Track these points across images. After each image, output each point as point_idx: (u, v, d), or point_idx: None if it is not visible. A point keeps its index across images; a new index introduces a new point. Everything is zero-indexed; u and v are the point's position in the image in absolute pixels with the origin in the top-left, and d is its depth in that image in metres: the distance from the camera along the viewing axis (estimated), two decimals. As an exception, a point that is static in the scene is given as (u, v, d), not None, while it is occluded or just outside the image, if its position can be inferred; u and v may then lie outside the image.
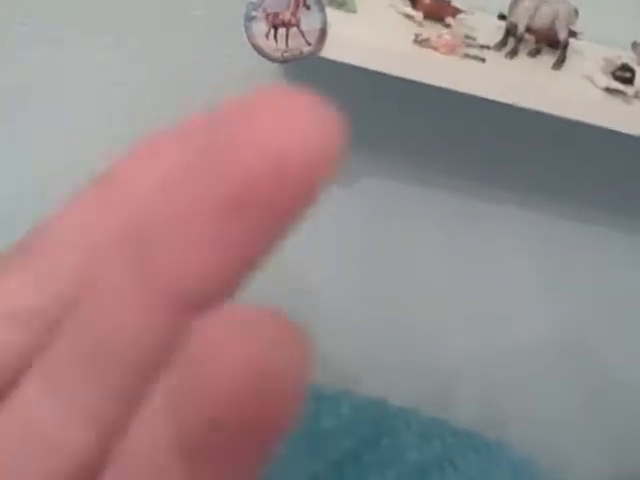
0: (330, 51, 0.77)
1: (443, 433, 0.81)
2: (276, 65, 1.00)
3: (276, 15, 0.74)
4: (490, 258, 1.18)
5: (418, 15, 0.87)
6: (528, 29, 0.85)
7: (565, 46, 0.86)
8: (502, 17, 0.89)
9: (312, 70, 1.00)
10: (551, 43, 0.89)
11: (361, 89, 1.03)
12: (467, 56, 0.80)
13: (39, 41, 0.99)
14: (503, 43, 0.86)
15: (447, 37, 0.81)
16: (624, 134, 0.82)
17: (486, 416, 1.28)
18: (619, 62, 0.84)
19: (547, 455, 1.22)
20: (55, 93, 1.04)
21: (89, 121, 1.06)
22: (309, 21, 0.75)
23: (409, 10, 0.88)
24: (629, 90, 0.82)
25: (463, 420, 0.80)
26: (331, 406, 0.71)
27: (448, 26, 0.88)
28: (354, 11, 0.85)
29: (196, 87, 1.04)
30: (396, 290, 1.22)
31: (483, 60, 0.81)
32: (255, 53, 0.80)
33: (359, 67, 0.77)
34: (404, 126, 1.06)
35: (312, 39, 0.76)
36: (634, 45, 0.96)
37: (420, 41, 0.80)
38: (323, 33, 0.76)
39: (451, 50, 0.80)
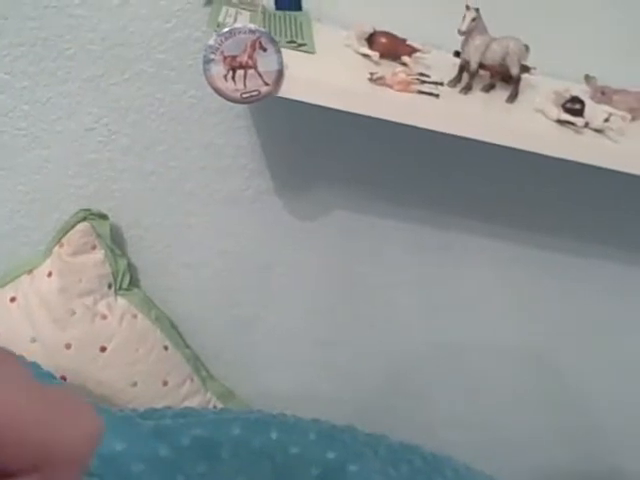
0: (288, 91, 0.79)
1: (411, 458, 0.82)
2: (241, 105, 1.03)
3: (234, 58, 0.76)
4: (464, 288, 1.20)
5: (375, 55, 0.90)
6: (481, 65, 0.88)
7: (517, 81, 0.89)
8: (457, 54, 0.93)
9: (276, 109, 1.03)
10: (504, 78, 0.92)
11: (327, 126, 1.06)
12: (421, 92, 0.83)
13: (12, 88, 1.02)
14: (458, 79, 0.89)
15: (401, 75, 0.84)
16: (577, 163, 0.85)
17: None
18: (568, 95, 0.87)
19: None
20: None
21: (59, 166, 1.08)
22: (266, 62, 0.77)
23: (366, 50, 0.91)
24: (579, 121, 0.85)
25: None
26: (299, 434, 0.72)
27: (404, 64, 0.91)
28: (312, 52, 0.88)
29: (163, 129, 1.06)
30: (370, 321, 1.23)
31: (437, 96, 0.83)
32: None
33: (315, 106, 0.80)
34: (371, 160, 1.09)
35: (269, 80, 0.78)
36: (586, 78, 0.99)
37: (375, 79, 0.83)
38: (280, 74, 0.78)
39: (405, 87, 0.83)
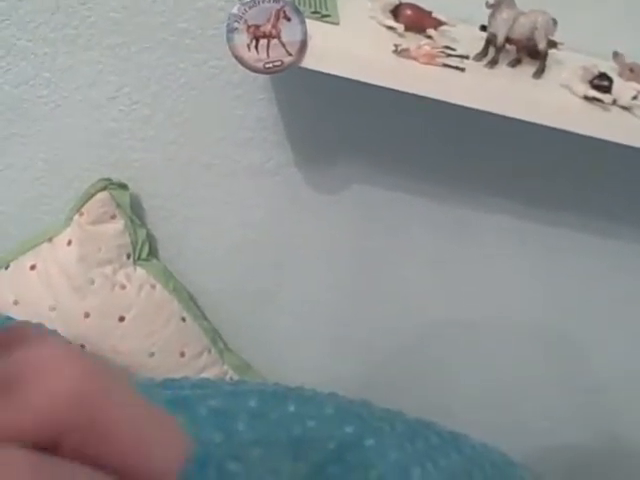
0: (312, 62, 0.78)
1: (427, 434, 0.82)
2: (263, 76, 1.02)
3: (257, 27, 0.75)
4: (480, 265, 1.19)
5: (400, 27, 0.88)
6: (508, 40, 0.87)
7: (545, 56, 0.87)
8: (483, 28, 0.91)
9: (298, 80, 1.02)
10: (531, 53, 0.91)
11: (349, 98, 1.05)
12: (446, 66, 0.82)
13: (33, 54, 1.02)
14: (484, 53, 0.88)
15: (426, 47, 0.82)
16: (602, 140, 0.83)
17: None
18: (596, 71, 0.85)
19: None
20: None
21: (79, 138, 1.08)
22: (290, 32, 0.76)
23: (391, 22, 0.90)
24: (606, 98, 0.83)
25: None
26: (316, 407, 0.71)
27: (429, 37, 0.90)
28: (337, 23, 0.86)
29: (184, 100, 1.06)
30: (386, 297, 1.23)
31: (462, 69, 0.82)
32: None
33: (338, 78, 0.79)
34: (392, 134, 1.08)
35: (293, 50, 0.77)
36: (615, 55, 0.97)
37: (400, 52, 0.81)
38: (303, 44, 0.77)
39: (430, 60, 0.82)
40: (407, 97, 0.82)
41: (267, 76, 1.02)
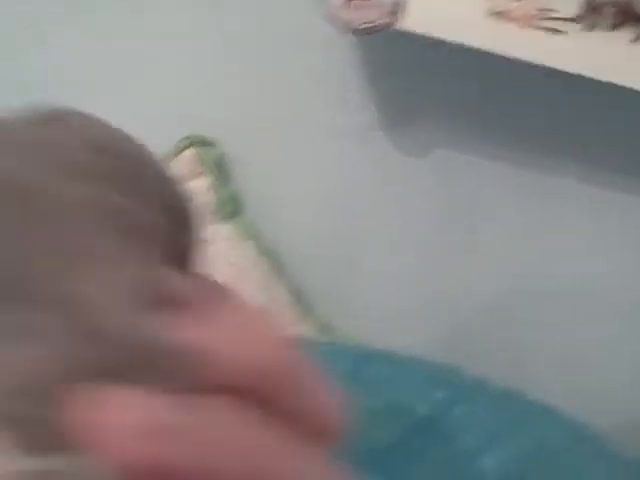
0: (405, 23, 0.78)
1: (518, 404, 0.82)
2: (351, 37, 1.01)
3: (353, -14, 0.75)
4: (557, 234, 1.17)
5: (495, -13, 0.87)
6: (608, 2, 0.84)
7: (645, 19, 0.84)
8: (581, -11, 0.88)
9: (386, 41, 1.01)
10: (633, 17, 0.88)
11: (437, 61, 1.03)
12: (545, 29, 0.80)
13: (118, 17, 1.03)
14: (582, 16, 0.85)
15: (524, 9, 0.80)
16: None
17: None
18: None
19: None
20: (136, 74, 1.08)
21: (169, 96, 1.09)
22: (386, -7, 0.76)
23: (485, -18, 0.88)
24: None
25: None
26: (406, 372, 0.72)
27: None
28: (430, -17, 0.85)
29: (272, 59, 1.06)
30: (468, 263, 1.22)
31: (560, 32, 0.80)
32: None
33: (429, 40, 0.78)
34: (480, 99, 1.06)
35: (387, 11, 0.76)
36: None
37: (495, 13, 0.80)
38: (398, 6, 0.76)
39: (527, 22, 0.80)
40: (498, 60, 0.80)
41: (356, 37, 1.01)
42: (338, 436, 0.23)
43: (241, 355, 0.20)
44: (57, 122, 0.25)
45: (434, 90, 1.06)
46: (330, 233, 1.21)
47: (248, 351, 0.20)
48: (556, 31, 0.80)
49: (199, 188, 1.07)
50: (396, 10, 0.76)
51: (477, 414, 0.68)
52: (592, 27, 0.84)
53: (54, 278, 0.20)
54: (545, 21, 0.81)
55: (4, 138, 0.23)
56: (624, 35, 0.86)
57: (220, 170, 1.11)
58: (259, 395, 0.20)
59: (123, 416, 0.18)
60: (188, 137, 1.08)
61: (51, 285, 0.20)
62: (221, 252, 1.09)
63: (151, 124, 1.10)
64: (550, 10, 0.82)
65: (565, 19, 0.83)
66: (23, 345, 0.19)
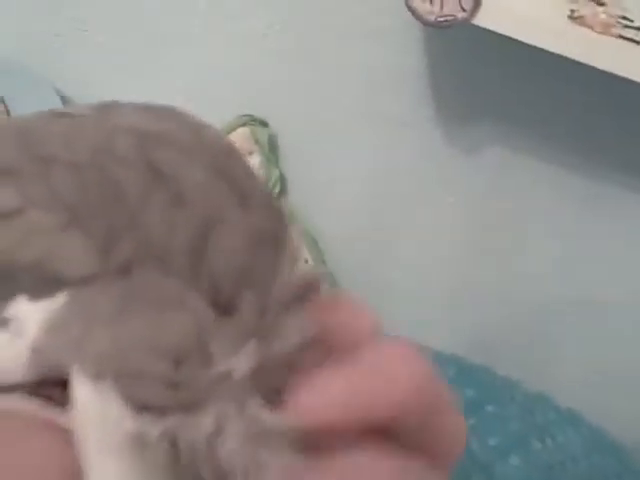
0: (483, 19, 0.76)
1: (546, 408, 0.82)
2: (417, 27, 1.00)
3: (435, -22, 0.74)
4: (608, 241, 1.15)
5: (574, -10, 0.85)
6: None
7: None
8: (660, 0, 0.87)
9: (455, 35, 1.00)
10: None
11: (504, 60, 1.01)
12: (622, 37, 0.79)
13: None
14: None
15: (603, 16, 0.79)
16: None
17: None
18: None
19: None
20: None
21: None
22: (466, -13, 0.74)
23: (564, -16, 0.86)
24: None
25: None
26: (440, 366, 0.71)
27: (602, 4, 0.86)
28: (509, -19, 0.84)
29: (332, 42, 1.05)
30: (506, 266, 1.21)
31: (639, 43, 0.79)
32: (403, 12, 0.80)
33: (501, 37, 0.76)
34: (541, 101, 1.05)
35: (467, 5, 0.75)
36: None
37: (575, 17, 0.78)
38: (478, 1, 0.75)
39: (606, 30, 0.78)
40: (567, 64, 0.79)
41: (422, 27, 0.99)
42: (458, 458, 0.23)
43: (376, 401, 0.21)
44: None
45: (496, 89, 1.05)
46: (369, 220, 1.21)
47: (383, 396, 0.21)
48: (634, 41, 0.78)
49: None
50: (476, 6, 0.75)
51: (507, 415, 0.68)
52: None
53: None
54: (624, 30, 0.80)
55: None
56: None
57: (272, 150, 1.10)
58: (394, 430, 0.21)
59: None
60: (244, 115, 1.07)
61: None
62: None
63: (206, 99, 1.10)
64: (630, 19, 0.81)
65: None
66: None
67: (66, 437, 0.19)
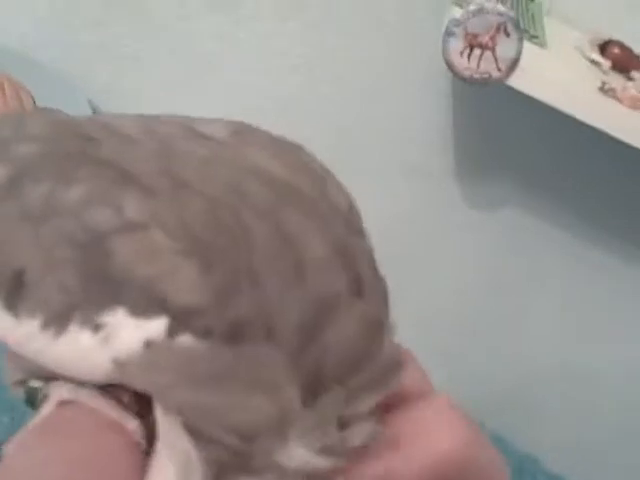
0: (517, 82, 0.78)
1: (534, 471, 0.82)
2: (445, 80, 1.01)
3: (475, 36, 0.75)
4: (617, 316, 1.16)
5: (606, 63, 0.87)
6: None
7: None
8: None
9: (480, 92, 1.01)
10: None
11: (529, 122, 1.03)
12: (649, 114, 0.80)
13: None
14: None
15: (632, 91, 0.81)
16: None
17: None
18: None
19: None
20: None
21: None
22: (505, 48, 0.76)
23: (597, 57, 0.88)
24: None
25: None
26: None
27: (631, 79, 0.88)
28: (544, 46, 0.85)
29: (364, 84, 1.06)
30: (509, 324, 1.21)
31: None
32: (436, 64, 0.82)
33: (528, 100, 0.78)
34: (562, 168, 1.06)
35: (504, 66, 0.77)
36: None
37: (606, 90, 0.80)
38: (515, 62, 0.77)
39: (634, 104, 0.80)
40: (594, 134, 0.80)
41: (454, 81, 1.01)
42: None
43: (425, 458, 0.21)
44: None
45: (521, 149, 1.06)
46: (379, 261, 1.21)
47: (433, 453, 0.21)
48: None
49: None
50: (512, 67, 0.77)
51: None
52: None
53: None
54: (651, 106, 0.81)
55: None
56: None
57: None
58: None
59: None
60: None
61: None
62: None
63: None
64: (659, 97, 0.82)
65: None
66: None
67: (132, 441, 0.19)
